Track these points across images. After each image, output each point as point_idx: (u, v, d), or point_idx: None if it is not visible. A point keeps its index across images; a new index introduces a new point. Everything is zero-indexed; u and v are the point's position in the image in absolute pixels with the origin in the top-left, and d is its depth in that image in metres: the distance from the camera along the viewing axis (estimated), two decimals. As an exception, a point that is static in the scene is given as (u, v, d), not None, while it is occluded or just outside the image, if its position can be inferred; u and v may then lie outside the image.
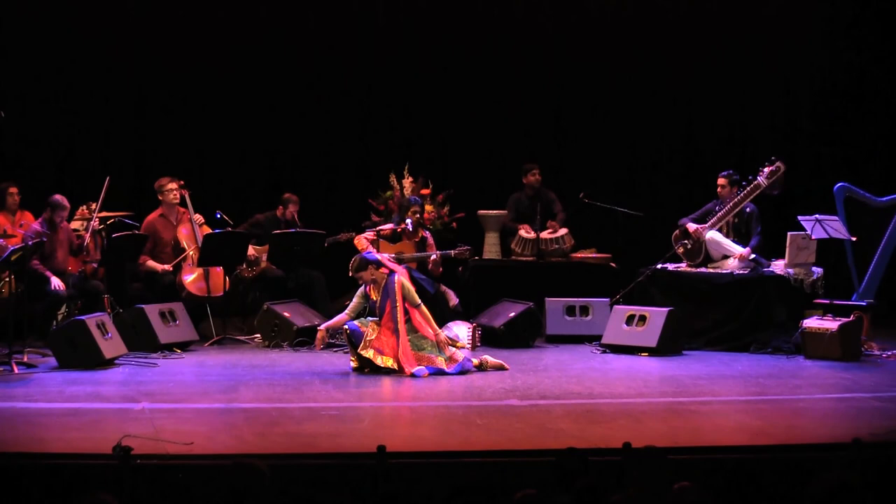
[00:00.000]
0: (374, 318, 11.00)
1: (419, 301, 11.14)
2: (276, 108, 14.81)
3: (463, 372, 10.89)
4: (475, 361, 11.09)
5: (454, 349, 11.07)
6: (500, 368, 11.10)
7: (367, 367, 10.89)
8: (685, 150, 15.19)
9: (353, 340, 10.99)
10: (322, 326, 11.39)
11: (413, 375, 10.70)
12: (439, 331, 11.14)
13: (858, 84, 15.14)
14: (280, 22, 14.82)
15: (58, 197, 12.21)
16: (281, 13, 14.82)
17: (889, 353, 11.99)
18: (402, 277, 11.12)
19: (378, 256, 11.27)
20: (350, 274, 11.31)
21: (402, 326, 10.87)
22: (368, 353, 10.86)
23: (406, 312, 10.91)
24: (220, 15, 14.65)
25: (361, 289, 11.16)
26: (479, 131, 14.98)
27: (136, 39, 14.40)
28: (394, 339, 10.87)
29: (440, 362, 10.86)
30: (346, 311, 11.22)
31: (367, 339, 10.90)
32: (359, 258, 11.24)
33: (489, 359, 11.21)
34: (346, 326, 11.13)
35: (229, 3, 14.74)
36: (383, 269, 11.07)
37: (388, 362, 10.83)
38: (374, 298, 11.02)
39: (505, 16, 15.13)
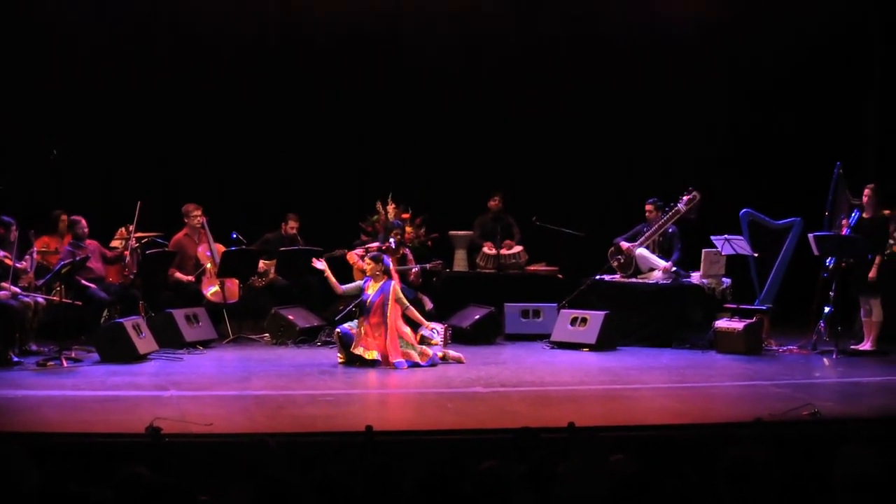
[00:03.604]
0: (362, 317, 11.00)
1: (408, 304, 11.18)
2: (284, 146, 14.76)
3: (433, 364, 10.91)
4: (440, 354, 11.16)
5: (425, 346, 11.11)
6: (458, 361, 11.13)
7: (356, 362, 10.88)
8: (619, 180, 15.20)
9: (344, 341, 11.00)
10: (326, 269, 11.45)
11: (394, 366, 10.72)
12: (424, 317, 11.42)
13: (761, 128, 15.21)
14: (287, 78, 14.81)
15: (72, 217, 12.16)
16: (288, 72, 14.81)
17: (785, 348, 12.04)
18: (396, 284, 11.17)
19: (390, 265, 11.31)
20: (365, 258, 11.47)
21: (390, 321, 10.88)
22: (358, 350, 10.89)
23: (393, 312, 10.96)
24: (238, 66, 14.63)
25: (361, 282, 11.22)
26: (450, 165, 14.95)
27: (164, 89, 14.36)
28: (382, 330, 10.88)
29: (415, 356, 10.89)
30: (344, 287, 11.36)
31: (357, 339, 10.92)
32: (378, 254, 11.33)
33: (450, 352, 11.27)
34: (337, 330, 11.16)
35: (246, 57, 14.69)
36: (385, 277, 11.09)
37: (374, 355, 10.84)
38: (369, 293, 11.02)
39: (467, 75, 15.13)
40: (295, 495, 4.50)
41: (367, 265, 11.30)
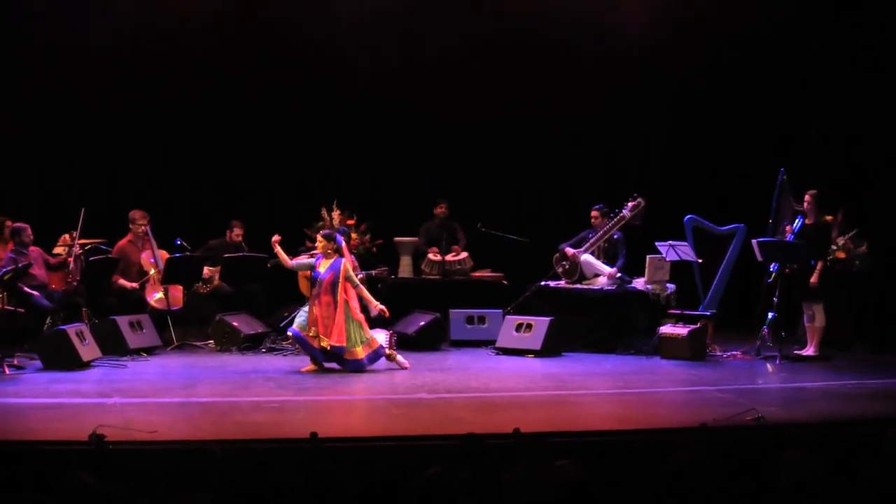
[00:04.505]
0: (313, 297, 10.90)
1: (358, 282, 11.13)
2: (230, 152, 14.71)
3: (376, 357, 10.91)
4: (387, 351, 11.13)
5: (373, 336, 11.04)
6: (402, 367, 11.10)
7: (319, 360, 10.83)
8: (564, 187, 15.28)
9: (302, 343, 10.94)
10: (277, 243, 11.33)
11: (329, 348, 10.68)
12: (369, 323, 11.21)
13: (706, 134, 15.34)
14: (232, 84, 14.71)
15: (17, 224, 12.03)
16: (233, 78, 14.72)
17: (729, 353, 12.15)
18: (347, 262, 11.10)
19: (342, 243, 11.27)
20: (317, 235, 11.42)
21: (340, 299, 10.81)
22: (311, 332, 10.81)
23: (345, 292, 10.89)
24: (184, 73, 14.52)
25: (312, 259, 11.13)
26: (395, 172, 14.97)
27: (108, 95, 14.23)
28: (332, 311, 10.81)
29: (359, 353, 10.83)
30: (294, 262, 11.35)
31: (310, 324, 10.82)
32: (330, 232, 11.30)
33: (399, 357, 11.21)
34: (289, 332, 11.11)
35: (193, 63, 14.59)
36: (336, 255, 11.02)
37: (326, 342, 10.74)
38: (320, 270, 10.93)
39: (411, 81, 15.10)
40: (255, 497, 4.50)
41: (319, 243, 11.18)
